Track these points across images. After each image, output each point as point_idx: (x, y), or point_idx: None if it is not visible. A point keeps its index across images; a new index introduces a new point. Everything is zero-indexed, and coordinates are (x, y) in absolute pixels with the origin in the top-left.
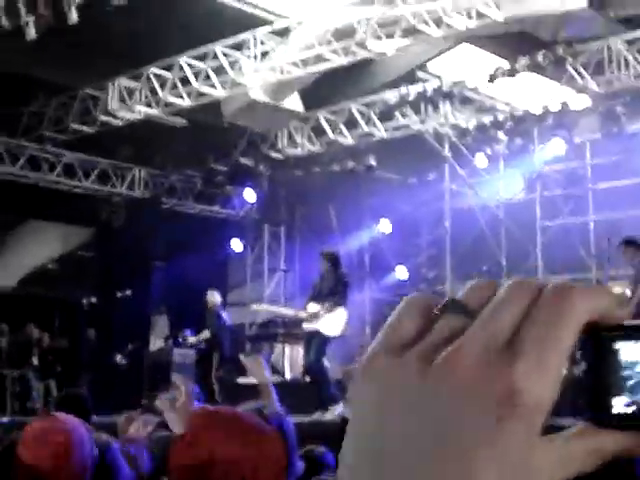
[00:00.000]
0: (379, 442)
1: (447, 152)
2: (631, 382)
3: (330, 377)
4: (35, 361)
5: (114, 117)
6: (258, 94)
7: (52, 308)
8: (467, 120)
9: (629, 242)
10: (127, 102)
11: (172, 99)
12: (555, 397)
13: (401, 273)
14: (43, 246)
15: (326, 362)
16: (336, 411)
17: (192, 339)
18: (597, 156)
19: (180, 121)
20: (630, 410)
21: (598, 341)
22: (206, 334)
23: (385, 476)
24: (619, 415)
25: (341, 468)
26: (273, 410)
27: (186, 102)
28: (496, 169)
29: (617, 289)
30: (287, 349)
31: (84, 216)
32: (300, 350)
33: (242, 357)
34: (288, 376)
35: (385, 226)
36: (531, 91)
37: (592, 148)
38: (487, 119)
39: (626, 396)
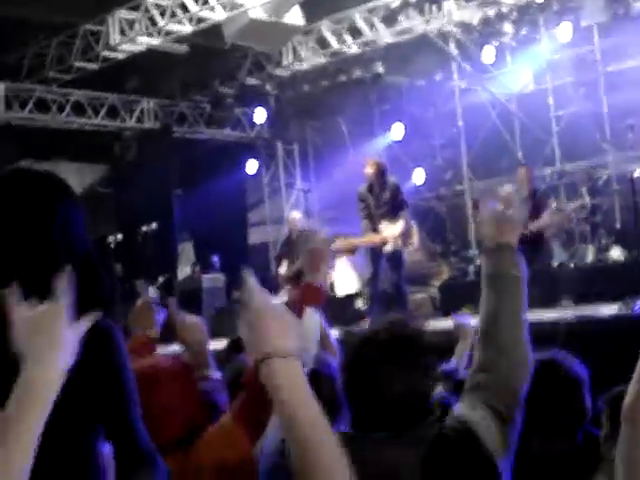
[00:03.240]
0: None
1: (454, 50)
2: None
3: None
4: None
5: (116, 51)
6: (258, 13)
7: None
8: (472, 16)
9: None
10: (128, 34)
11: (173, 26)
12: None
13: (419, 177)
14: None
15: None
16: None
17: None
18: (605, 39)
19: (182, 48)
20: None
21: None
22: None
23: None
24: None
25: None
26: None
27: (187, 28)
28: (504, 62)
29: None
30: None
31: (98, 153)
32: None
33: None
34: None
35: (398, 131)
36: None
37: (600, 31)
38: (492, 12)
39: None
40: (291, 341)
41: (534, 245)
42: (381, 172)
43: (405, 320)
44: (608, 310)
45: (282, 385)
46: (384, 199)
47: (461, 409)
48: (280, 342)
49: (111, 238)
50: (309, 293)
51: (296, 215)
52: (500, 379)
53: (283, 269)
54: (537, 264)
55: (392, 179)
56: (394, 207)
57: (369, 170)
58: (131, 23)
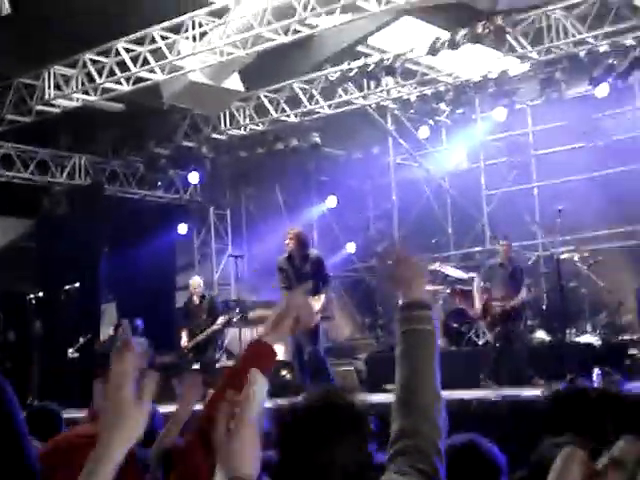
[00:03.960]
0: None
1: (390, 126)
2: None
3: None
4: None
5: (51, 105)
6: (198, 76)
7: None
8: (409, 93)
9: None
10: (63, 90)
11: (110, 85)
12: None
13: (351, 248)
14: None
15: None
16: None
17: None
18: (538, 123)
19: (118, 106)
20: None
21: None
22: (223, 319)
23: None
24: None
25: None
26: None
27: (124, 87)
28: (439, 140)
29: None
30: (242, 332)
31: (24, 207)
32: (251, 333)
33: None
34: None
35: (331, 202)
36: (472, 60)
37: (533, 115)
38: (429, 90)
39: None
40: (256, 465)
41: (513, 320)
42: (302, 243)
43: (340, 390)
44: (531, 392)
45: None
46: (305, 271)
47: (391, 477)
48: (248, 468)
49: (32, 295)
50: (263, 353)
51: (197, 279)
52: (424, 441)
53: (184, 340)
54: (516, 338)
55: (315, 252)
56: (316, 281)
57: (289, 241)
58: (67, 79)
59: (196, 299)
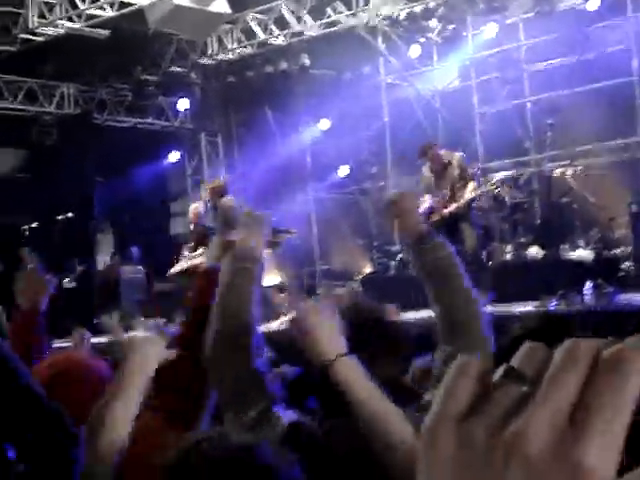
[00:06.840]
0: None
1: (380, 45)
2: None
3: None
4: None
5: (35, 34)
6: None
7: None
8: (399, 10)
9: None
10: (47, 17)
11: (94, 11)
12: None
13: (343, 171)
14: None
15: None
16: None
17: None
18: (530, 37)
19: (103, 32)
20: None
21: None
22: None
23: None
24: None
25: None
26: None
27: (109, 12)
28: (430, 59)
29: None
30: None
31: (15, 138)
32: None
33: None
34: None
35: (324, 125)
36: None
37: (525, 29)
38: (418, 8)
39: None
40: (343, 342)
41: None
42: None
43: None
44: (524, 308)
45: (353, 385)
46: None
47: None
48: (336, 346)
49: (26, 226)
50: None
51: (192, 207)
52: None
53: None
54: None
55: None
56: None
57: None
58: (51, 6)
59: (192, 227)
